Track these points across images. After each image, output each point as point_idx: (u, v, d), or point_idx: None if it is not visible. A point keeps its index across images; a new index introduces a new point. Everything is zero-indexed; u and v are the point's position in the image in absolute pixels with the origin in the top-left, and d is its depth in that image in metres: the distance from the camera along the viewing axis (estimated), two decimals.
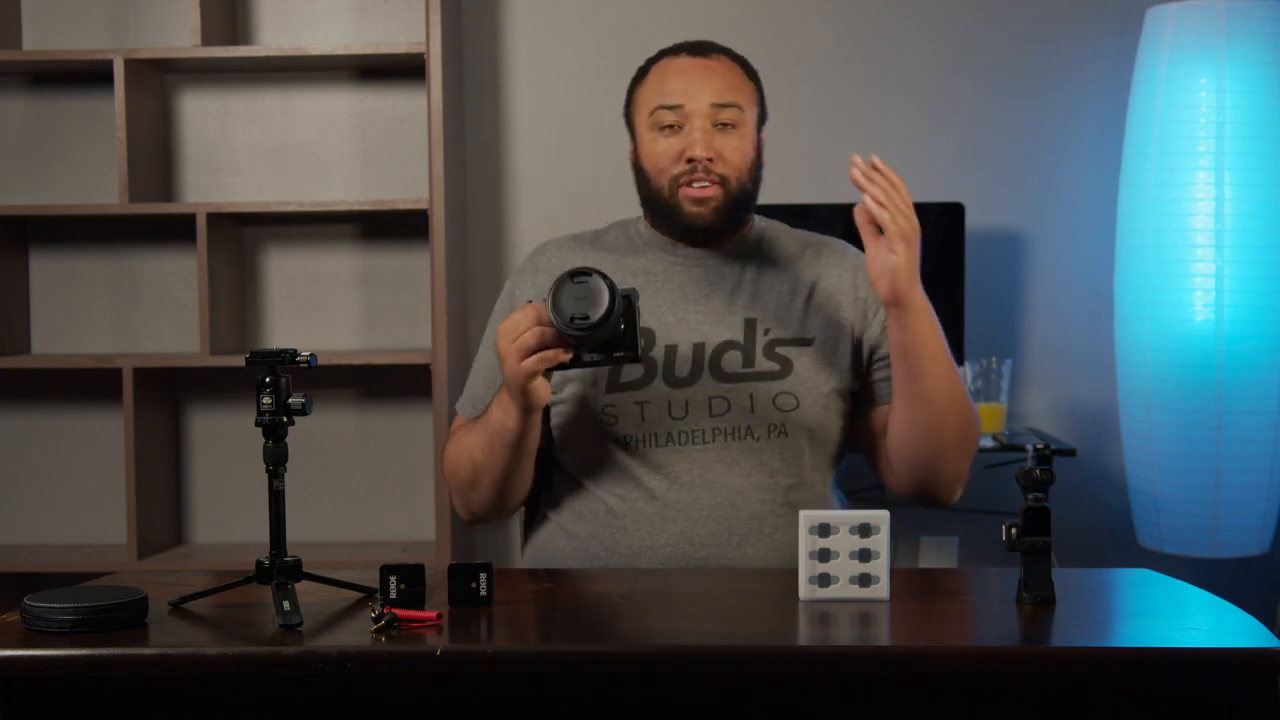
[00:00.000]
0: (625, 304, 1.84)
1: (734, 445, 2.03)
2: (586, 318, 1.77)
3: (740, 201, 2.08)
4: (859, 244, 2.21)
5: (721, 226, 2.09)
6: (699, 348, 2.06)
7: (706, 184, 2.05)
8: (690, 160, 2.04)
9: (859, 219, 1.92)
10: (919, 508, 2.13)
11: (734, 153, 2.06)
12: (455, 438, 2.10)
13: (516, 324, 1.84)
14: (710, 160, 2.04)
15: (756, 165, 2.10)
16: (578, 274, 1.79)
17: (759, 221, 2.19)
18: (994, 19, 3.38)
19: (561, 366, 1.85)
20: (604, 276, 1.78)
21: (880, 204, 1.89)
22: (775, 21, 3.38)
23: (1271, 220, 3.03)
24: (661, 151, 2.07)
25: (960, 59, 3.38)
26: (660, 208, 2.09)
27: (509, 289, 2.19)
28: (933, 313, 1.97)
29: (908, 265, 1.92)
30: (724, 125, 2.05)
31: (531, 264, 2.18)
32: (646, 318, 2.08)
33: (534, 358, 1.83)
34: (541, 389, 1.87)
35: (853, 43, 3.39)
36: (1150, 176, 3.09)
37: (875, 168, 1.91)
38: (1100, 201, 3.34)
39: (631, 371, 2.04)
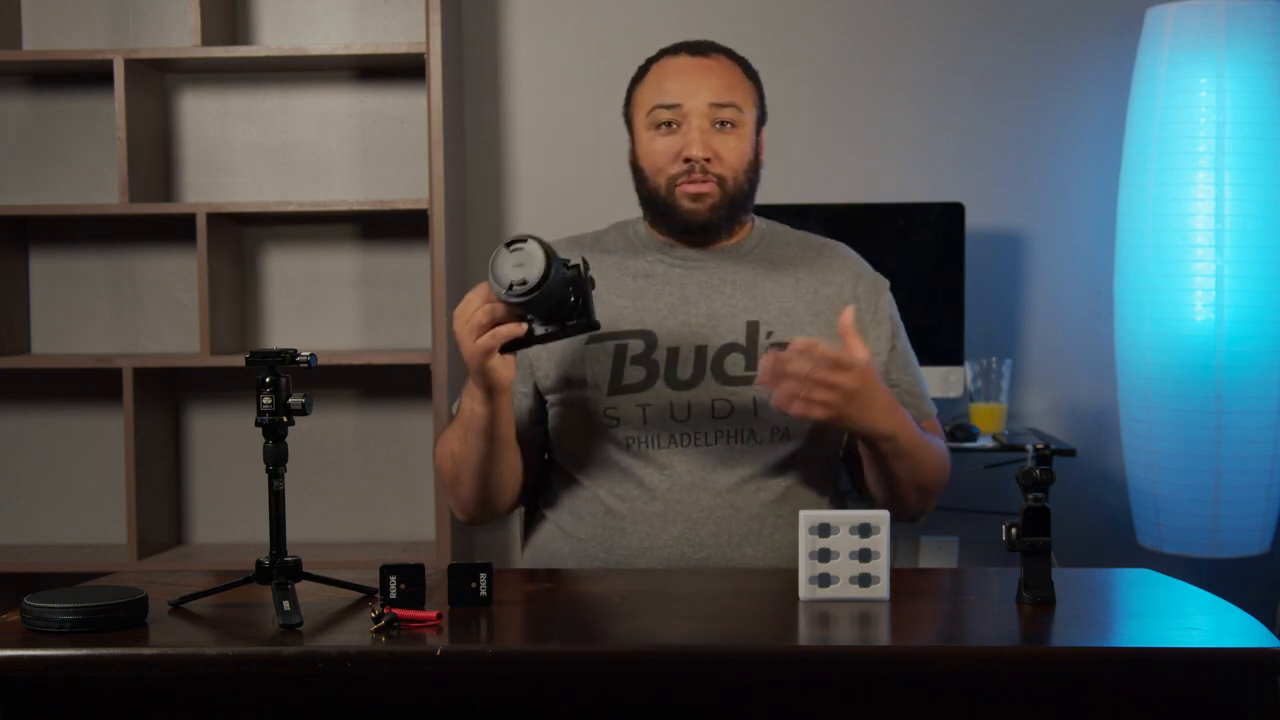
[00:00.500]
0: (575, 274, 1.83)
1: (736, 447, 2.03)
2: (525, 282, 1.76)
3: (737, 201, 2.08)
4: (857, 246, 2.22)
5: (718, 224, 2.09)
6: (701, 350, 2.06)
7: (704, 184, 2.05)
8: (688, 160, 2.04)
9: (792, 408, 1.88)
10: None
11: (732, 153, 2.06)
12: (442, 435, 2.11)
13: (468, 304, 1.84)
14: (708, 160, 2.04)
15: (754, 166, 2.10)
16: (513, 242, 1.78)
17: (759, 223, 2.19)
18: (994, 19, 3.38)
19: (518, 344, 1.84)
20: (540, 242, 1.77)
21: (806, 401, 1.85)
22: (775, 21, 3.38)
23: (1271, 220, 3.03)
24: (659, 150, 2.07)
25: (960, 59, 3.38)
26: (657, 206, 2.09)
27: None
28: (903, 427, 1.96)
29: (861, 421, 1.90)
30: (722, 124, 2.05)
31: None
32: (647, 320, 2.08)
33: (487, 335, 1.82)
34: (501, 368, 1.86)
35: (853, 43, 3.39)
36: (1150, 176, 3.09)
37: (779, 363, 1.86)
38: (1100, 201, 3.34)
39: (634, 374, 2.04)
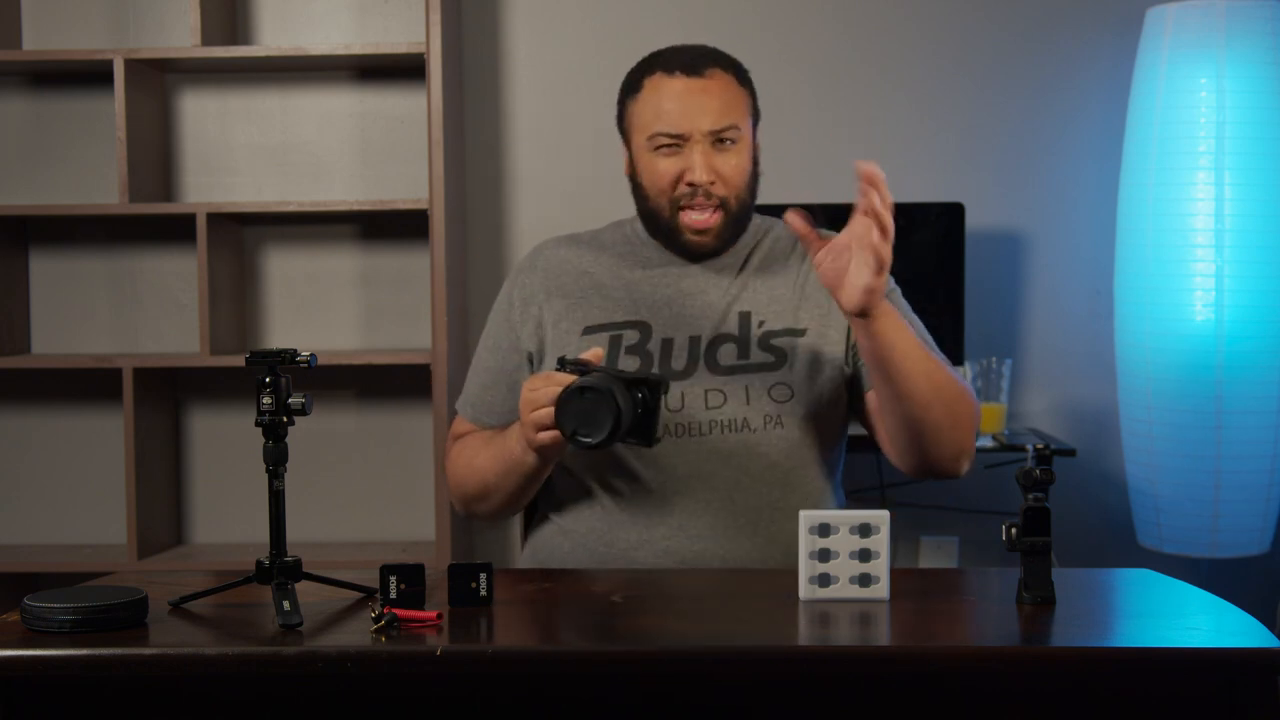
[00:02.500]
0: (649, 392, 1.86)
1: (730, 437, 2.03)
2: (589, 436, 1.80)
3: (741, 220, 2.11)
4: None
5: (723, 249, 2.12)
6: (695, 340, 2.06)
7: (707, 211, 2.06)
8: (690, 184, 2.05)
9: (859, 229, 1.82)
10: (928, 480, 2.10)
11: (733, 171, 2.06)
12: (462, 446, 2.12)
13: (537, 396, 1.87)
14: (711, 183, 2.05)
15: (754, 176, 2.11)
16: (586, 389, 1.80)
17: (756, 218, 2.19)
18: (994, 19, 3.38)
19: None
20: (612, 395, 1.79)
21: (884, 231, 1.80)
22: (775, 21, 3.38)
23: (1271, 220, 3.03)
24: (661, 172, 2.07)
25: (960, 59, 3.38)
26: (660, 227, 2.11)
27: (507, 289, 2.19)
28: (899, 312, 1.94)
29: (882, 287, 1.86)
30: (723, 143, 2.06)
31: (530, 263, 2.19)
32: (642, 311, 2.09)
33: (547, 434, 1.87)
34: (558, 448, 1.91)
35: (853, 43, 3.39)
36: (1150, 176, 3.09)
37: (878, 183, 1.80)
38: (1100, 201, 3.34)
39: (628, 365, 2.06)
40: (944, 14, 3.38)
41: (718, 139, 2.05)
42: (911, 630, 1.64)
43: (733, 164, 2.06)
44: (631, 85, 2.13)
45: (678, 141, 2.05)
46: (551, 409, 1.84)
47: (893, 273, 2.20)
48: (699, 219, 2.06)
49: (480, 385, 2.17)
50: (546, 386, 1.86)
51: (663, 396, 1.89)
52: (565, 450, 1.95)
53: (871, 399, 2.08)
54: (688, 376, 2.05)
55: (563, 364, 1.91)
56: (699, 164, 2.04)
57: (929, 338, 2.10)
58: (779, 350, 2.06)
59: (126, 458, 3.19)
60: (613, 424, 1.80)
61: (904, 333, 1.92)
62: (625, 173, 2.15)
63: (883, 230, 1.79)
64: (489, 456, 2.04)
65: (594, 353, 1.90)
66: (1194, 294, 3.04)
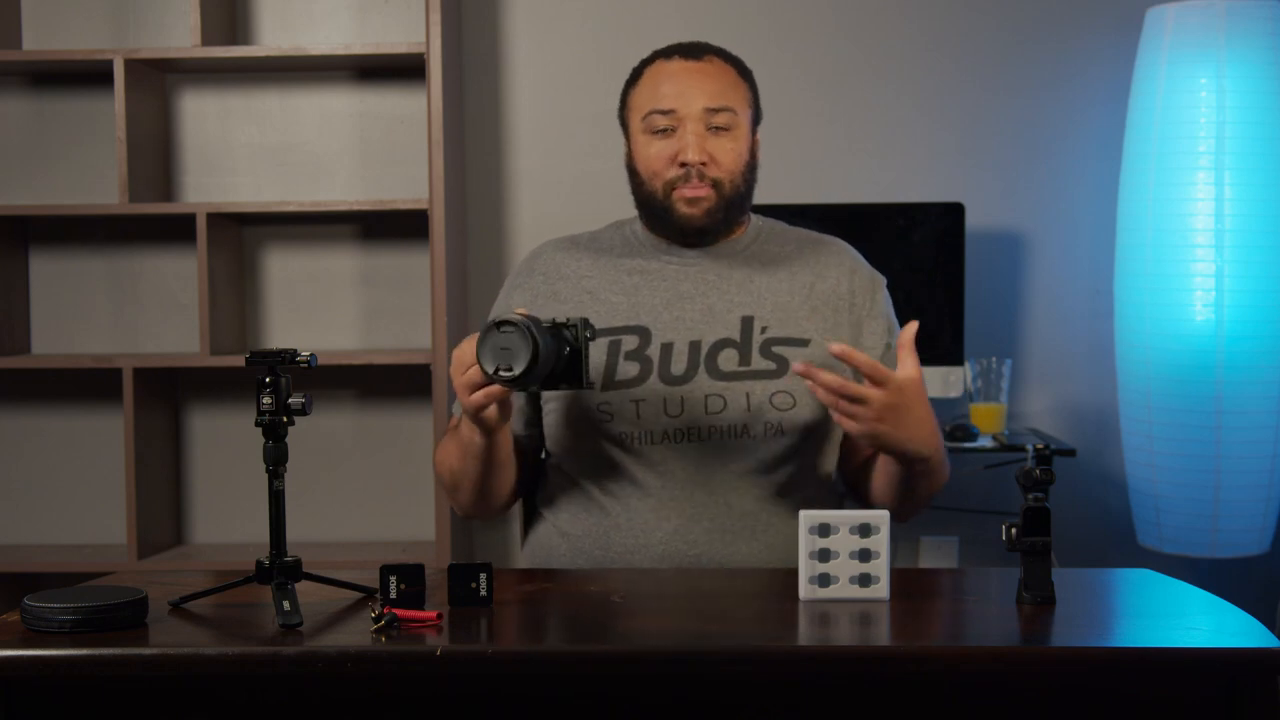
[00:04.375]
0: (567, 339, 1.85)
1: (730, 443, 2.03)
2: (510, 369, 1.78)
3: (734, 203, 2.09)
4: (857, 246, 2.22)
5: (715, 227, 2.10)
6: (695, 345, 2.06)
7: (701, 188, 2.05)
8: (684, 164, 2.04)
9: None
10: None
11: (727, 155, 2.06)
12: (441, 442, 2.13)
13: (464, 356, 1.85)
14: (704, 164, 2.04)
15: (750, 167, 2.10)
16: (502, 323, 1.79)
17: (756, 220, 2.19)
18: (994, 19, 3.38)
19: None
20: (528, 329, 1.78)
21: (849, 407, 1.84)
22: (775, 21, 3.38)
23: (1271, 220, 3.03)
24: (655, 155, 2.07)
25: (960, 59, 3.38)
26: (654, 210, 2.10)
27: (506, 292, 2.19)
28: (938, 450, 1.95)
29: (895, 440, 1.87)
30: (717, 128, 2.06)
31: (527, 267, 2.19)
32: (642, 316, 2.08)
33: (480, 393, 1.84)
34: (493, 414, 1.89)
35: (853, 43, 3.39)
36: (1150, 176, 3.09)
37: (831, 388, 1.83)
38: (1100, 201, 3.34)
39: (627, 369, 2.05)
40: (944, 14, 3.38)
41: (712, 124, 2.05)
42: (911, 630, 1.64)
43: (727, 148, 2.06)
44: (632, 77, 2.14)
45: (672, 121, 2.05)
46: (477, 368, 1.82)
47: (894, 273, 2.21)
48: (691, 192, 2.05)
49: None
50: (472, 345, 1.84)
51: (587, 337, 1.86)
52: (506, 417, 1.91)
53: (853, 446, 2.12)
54: (688, 381, 2.04)
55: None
56: (692, 144, 2.04)
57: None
58: (780, 359, 2.06)
59: (126, 458, 3.19)
60: (530, 355, 1.77)
61: (933, 448, 1.94)
62: (625, 164, 2.15)
63: (848, 405, 1.83)
64: (452, 446, 2.04)
65: (519, 311, 1.86)
66: (1194, 294, 3.04)
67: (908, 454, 1.91)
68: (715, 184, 2.06)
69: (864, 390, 1.82)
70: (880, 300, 2.14)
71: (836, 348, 1.82)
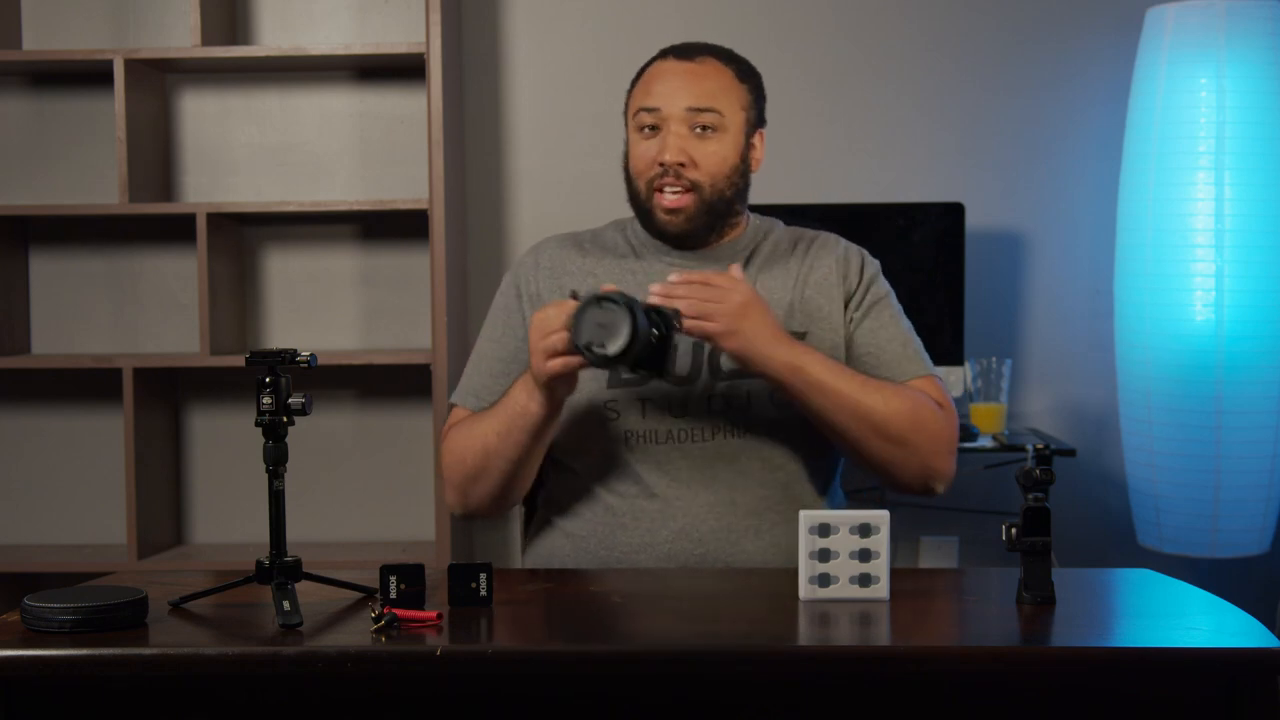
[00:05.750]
0: (663, 322, 1.86)
1: (733, 441, 2.03)
2: (603, 347, 1.79)
3: (717, 208, 2.08)
4: (855, 243, 2.22)
5: (696, 233, 2.09)
6: (698, 345, 2.06)
7: (678, 191, 2.05)
8: (662, 164, 2.04)
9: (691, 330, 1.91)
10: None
11: (710, 158, 2.05)
12: (461, 427, 2.09)
13: (548, 320, 1.87)
14: (682, 165, 2.04)
15: (739, 171, 2.08)
16: (604, 299, 1.79)
17: (755, 220, 2.19)
18: (994, 19, 3.38)
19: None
20: (631, 309, 1.79)
21: (694, 318, 1.89)
22: (775, 21, 3.38)
23: (1271, 220, 3.03)
24: (640, 154, 2.08)
25: (960, 59, 3.38)
26: (639, 210, 2.11)
27: (511, 280, 2.18)
28: (810, 357, 1.96)
29: (756, 342, 1.91)
30: (703, 129, 2.05)
31: (533, 258, 2.18)
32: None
33: (559, 360, 1.86)
34: (569, 382, 1.91)
35: (853, 43, 3.39)
36: (1150, 176, 3.09)
37: (675, 285, 1.91)
38: (1100, 201, 3.34)
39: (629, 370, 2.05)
40: (944, 14, 3.38)
41: (696, 124, 2.05)
42: (911, 630, 1.64)
43: (710, 150, 2.05)
44: (635, 78, 2.14)
45: (656, 120, 2.05)
46: (564, 333, 1.83)
47: (894, 273, 2.21)
48: (670, 199, 2.05)
49: (489, 374, 2.14)
50: (559, 311, 1.86)
51: (675, 325, 1.88)
52: (572, 389, 1.93)
53: None
54: (690, 381, 2.04)
55: (574, 295, 1.88)
56: (671, 145, 2.03)
57: (912, 344, 2.10)
58: None
59: (126, 458, 3.19)
60: (629, 335, 1.77)
61: (821, 375, 1.94)
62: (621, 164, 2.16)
63: (691, 315, 1.89)
64: (491, 420, 2.02)
65: (608, 286, 1.89)
66: (1194, 294, 3.04)
67: (776, 363, 1.91)
68: (694, 186, 2.05)
69: (716, 286, 1.89)
70: (855, 268, 2.13)
71: (656, 286, 1.89)
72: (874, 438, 1.97)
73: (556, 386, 1.91)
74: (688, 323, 1.89)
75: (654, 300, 1.88)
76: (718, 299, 1.89)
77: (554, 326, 1.85)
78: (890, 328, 2.09)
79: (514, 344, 2.14)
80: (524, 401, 1.95)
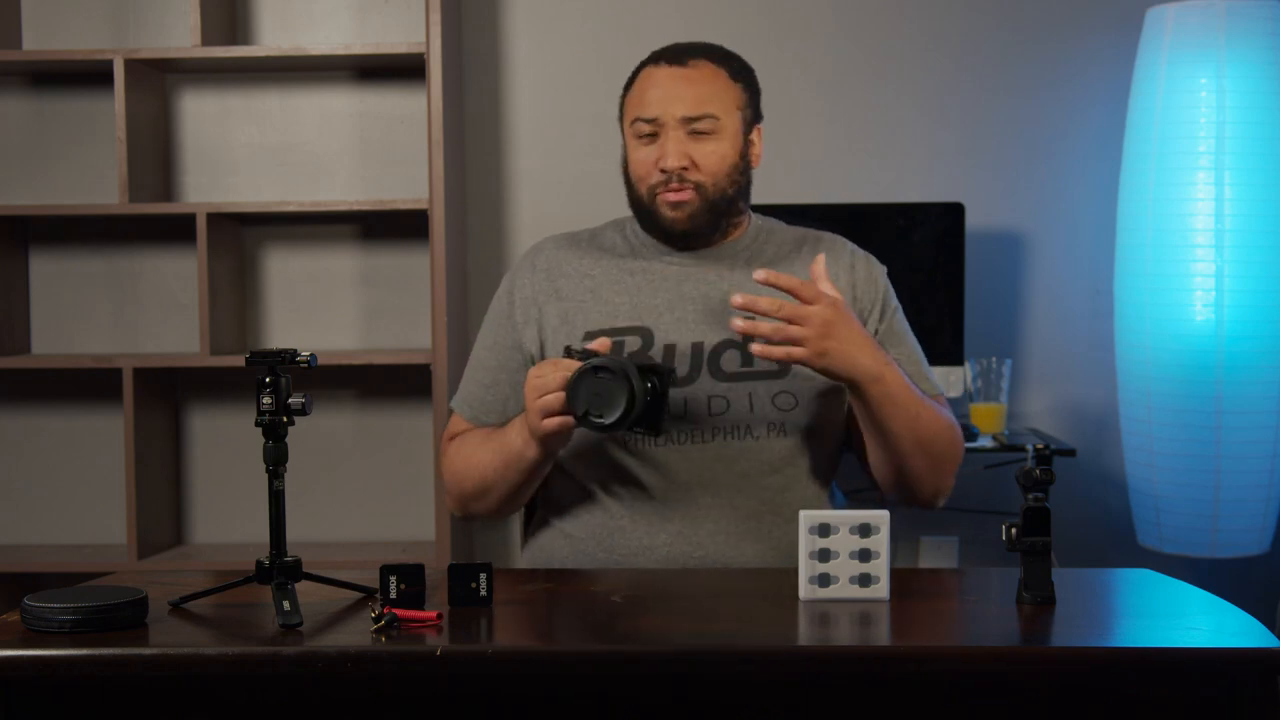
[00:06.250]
0: (658, 380, 1.87)
1: (733, 444, 2.03)
2: (601, 417, 1.81)
3: (719, 206, 2.09)
4: (855, 243, 2.22)
5: (699, 230, 2.10)
6: (698, 347, 2.06)
7: (683, 191, 2.05)
8: (664, 170, 2.05)
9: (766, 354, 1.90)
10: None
11: (709, 158, 2.06)
12: (460, 444, 2.11)
13: (545, 381, 1.88)
14: (684, 169, 2.05)
15: (739, 169, 2.09)
16: (601, 369, 1.80)
17: (756, 219, 2.19)
18: (994, 19, 3.38)
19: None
20: (628, 377, 1.80)
21: (777, 343, 1.88)
22: (775, 21, 3.38)
23: (1271, 220, 3.03)
24: (640, 160, 2.08)
25: (960, 59, 3.38)
26: (643, 214, 2.12)
27: (506, 288, 2.19)
28: (890, 369, 1.96)
29: (844, 357, 1.90)
30: (699, 133, 2.06)
31: (529, 262, 2.18)
32: (644, 317, 2.08)
33: (555, 420, 1.88)
34: (564, 437, 1.94)
35: (853, 43, 3.39)
36: (1150, 176, 3.09)
37: (758, 302, 1.88)
38: (1100, 201, 3.34)
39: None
40: (944, 14, 3.38)
41: (693, 128, 2.05)
42: (911, 630, 1.64)
43: (708, 150, 2.06)
44: (629, 81, 2.15)
45: (654, 128, 2.06)
46: (560, 394, 1.85)
47: (894, 273, 2.21)
48: (674, 196, 2.06)
49: (480, 384, 2.16)
50: (555, 372, 1.87)
51: (668, 382, 1.90)
52: (568, 441, 1.95)
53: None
54: (690, 382, 2.04)
55: (569, 353, 1.91)
56: (671, 150, 2.04)
57: (923, 362, 2.13)
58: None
59: (126, 458, 3.19)
60: (627, 404, 1.80)
61: (895, 390, 1.95)
62: (621, 168, 2.16)
63: (790, 329, 1.88)
64: (488, 452, 2.04)
65: (601, 343, 1.91)
66: (1194, 294, 3.04)
67: (861, 373, 1.91)
68: (698, 187, 2.06)
69: (800, 308, 1.87)
70: (876, 277, 2.15)
71: (738, 299, 1.87)
72: (918, 453, 2.01)
73: (551, 440, 1.93)
74: (773, 350, 1.87)
75: (736, 324, 1.89)
76: (802, 319, 1.88)
77: (551, 387, 1.87)
78: (903, 345, 2.13)
79: (504, 353, 2.15)
80: (519, 447, 1.98)
